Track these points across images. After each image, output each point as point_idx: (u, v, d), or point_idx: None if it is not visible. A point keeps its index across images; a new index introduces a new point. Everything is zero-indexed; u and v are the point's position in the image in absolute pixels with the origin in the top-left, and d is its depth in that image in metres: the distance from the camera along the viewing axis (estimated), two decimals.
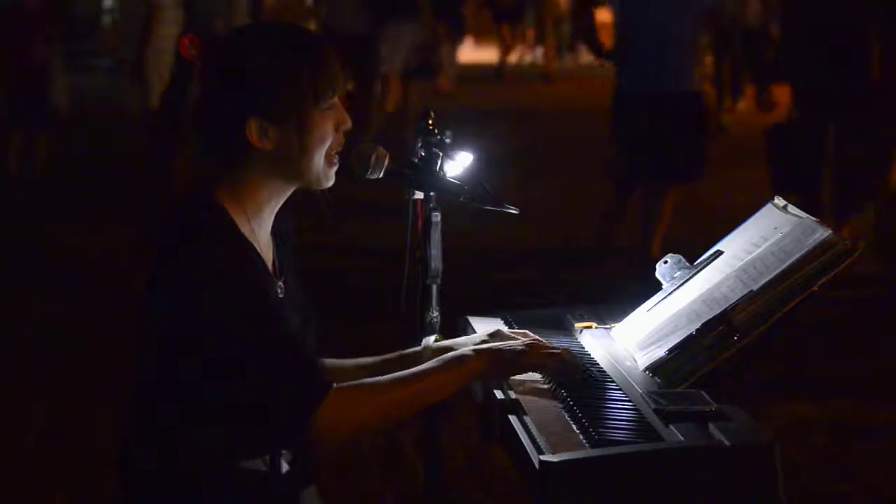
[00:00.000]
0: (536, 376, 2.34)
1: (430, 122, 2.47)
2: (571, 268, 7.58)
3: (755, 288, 2.28)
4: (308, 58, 2.22)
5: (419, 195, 2.46)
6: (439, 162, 2.44)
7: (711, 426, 2.03)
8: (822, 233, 2.30)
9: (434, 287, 2.48)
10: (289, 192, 2.30)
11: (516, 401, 2.23)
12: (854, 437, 4.88)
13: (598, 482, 1.95)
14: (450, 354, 2.27)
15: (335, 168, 2.29)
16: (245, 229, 2.22)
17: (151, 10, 8.96)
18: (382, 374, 2.28)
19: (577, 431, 2.10)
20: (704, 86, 7.90)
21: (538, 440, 2.05)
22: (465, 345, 2.38)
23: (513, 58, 19.72)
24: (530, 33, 20.26)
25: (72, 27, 11.47)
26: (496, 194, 2.45)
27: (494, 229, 7.98)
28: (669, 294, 2.51)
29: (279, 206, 2.30)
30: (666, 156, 6.94)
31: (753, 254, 2.41)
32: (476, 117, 12.84)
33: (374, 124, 11.77)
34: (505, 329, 2.47)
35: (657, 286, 2.57)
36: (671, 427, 2.04)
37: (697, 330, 2.26)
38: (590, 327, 2.61)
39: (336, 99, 2.25)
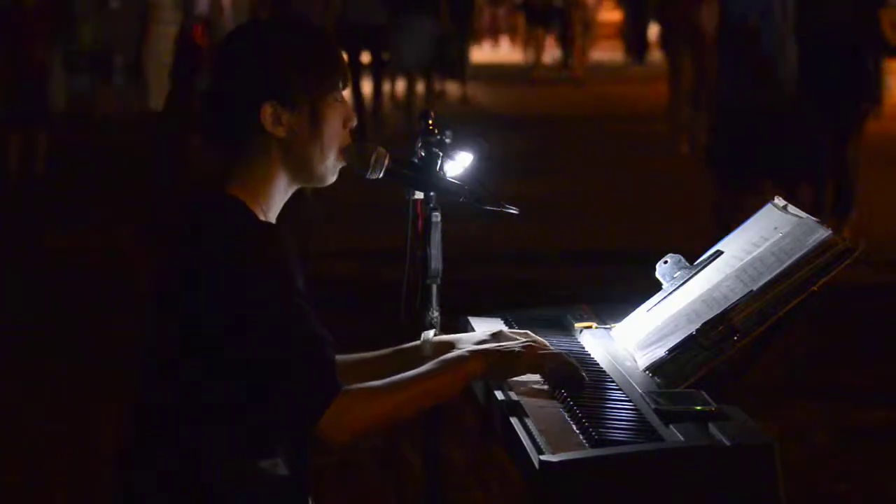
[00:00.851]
0: (537, 377, 2.34)
1: (430, 122, 2.47)
2: (571, 268, 7.58)
3: (755, 288, 2.28)
4: (320, 48, 2.26)
5: (419, 195, 2.47)
6: (439, 162, 2.44)
7: (711, 426, 2.03)
8: (822, 233, 2.30)
9: (434, 287, 2.48)
10: (293, 189, 2.31)
11: (516, 401, 2.23)
12: (854, 437, 4.88)
13: (598, 482, 1.95)
14: (449, 356, 2.27)
15: (341, 165, 2.31)
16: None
17: (149, 10, 8.96)
18: (382, 369, 2.29)
19: (577, 431, 2.10)
20: None
21: (538, 440, 2.05)
22: (464, 341, 2.39)
23: (546, 58, 19.60)
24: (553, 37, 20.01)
25: (72, 27, 11.46)
26: (496, 194, 2.46)
27: (495, 230, 7.99)
28: (669, 294, 2.51)
29: (283, 202, 2.31)
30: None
31: (753, 254, 2.40)
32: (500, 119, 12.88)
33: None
34: (505, 329, 2.47)
35: (657, 286, 2.57)
36: (671, 427, 2.04)
37: (697, 330, 2.26)
38: (590, 327, 2.60)
39: (343, 94, 2.29)
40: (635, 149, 12.13)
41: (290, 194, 2.32)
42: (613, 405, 2.21)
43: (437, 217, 2.46)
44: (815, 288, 2.24)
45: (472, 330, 2.58)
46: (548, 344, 2.36)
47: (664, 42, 14.42)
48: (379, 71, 13.14)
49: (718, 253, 2.52)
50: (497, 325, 2.62)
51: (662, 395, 2.16)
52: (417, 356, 2.37)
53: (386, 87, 14.13)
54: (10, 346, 6.03)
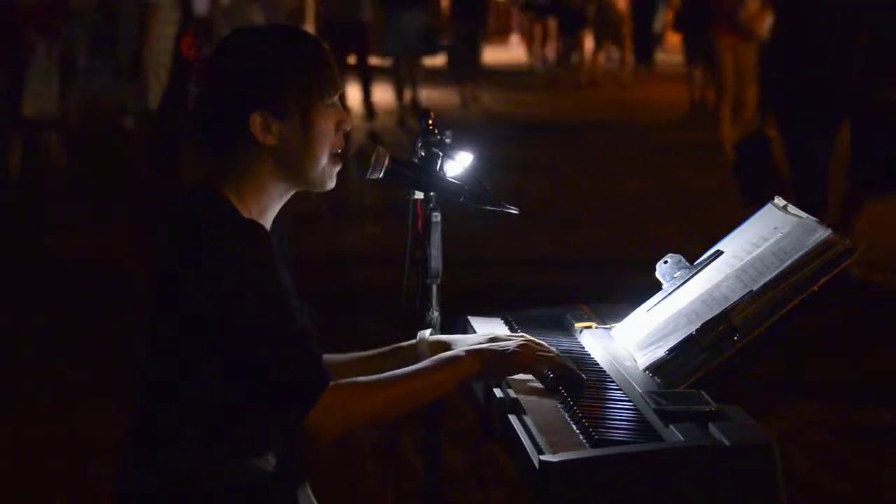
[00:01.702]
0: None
1: (430, 122, 2.47)
2: (572, 268, 7.58)
3: (755, 288, 2.28)
4: (310, 55, 2.25)
5: (419, 195, 2.47)
6: (439, 162, 2.44)
7: (711, 426, 2.03)
8: (822, 233, 2.30)
9: (434, 287, 2.48)
10: (290, 194, 2.31)
11: (516, 400, 2.23)
12: (854, 437, 4.88)
13: (598, 482, 1.95)
14: (444, 354, 2.28)
15: (338, 168, 2.30)
16: None
17: (148, 10, 8.94)
18: (380, 368, 2.29)
19: (577, 431, 2.10)
20: None
21: (538, 440, 2.05)
22: (460, 342, 2.39)
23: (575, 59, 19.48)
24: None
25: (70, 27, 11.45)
26: (496, 194, 2.46)
27: (495, 229, 7.99)
28: (669, 294, 2.51)
29: (279, 208, 2.31)
30: None
31: (753, 254, 2.40)
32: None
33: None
34: (505, 330, 2.47)
35: (657, 286, 2.57)
36: (671, 427, 2.04)
37: (697, 330, 2.26)
38: (590, 327, 2.61)
39: (336, 98, 2.27)
40: (643, 150, 12.14)
41: (286, 199, 2.31)
42: (613, 405, 2.21)
43: (437, 217, 2.46)
44: (815, 288, 2.24)
45: (473, 330, 2.59)
46: (545, 344, 2.37)
47: (685, 25, 13.76)
48: (366, 70, 13.36)
49: (718, 253, 2.52)
50: (497, 325, 2.62)
51: (662, 395, 2.16)
52: (415, 355, 2.38)
53: (384, 94, 14.25)
54: (10, 346, 6.03)
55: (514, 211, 2.46)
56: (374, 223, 8.19)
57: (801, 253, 2.29)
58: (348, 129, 2.31)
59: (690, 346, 2.26)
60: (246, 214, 2.23)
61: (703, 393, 2.15)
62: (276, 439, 2.24)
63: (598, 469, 1.95)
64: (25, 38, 9.58)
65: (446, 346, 2.38)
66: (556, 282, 7.18)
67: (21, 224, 8.66)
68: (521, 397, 2.25)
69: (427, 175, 2.44)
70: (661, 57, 19.62)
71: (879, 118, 6.99)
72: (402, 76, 13.92)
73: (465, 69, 15.12)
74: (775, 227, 2.43)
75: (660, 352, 2.31)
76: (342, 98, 2.35)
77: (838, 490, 4.41)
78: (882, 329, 6.32)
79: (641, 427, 2.09)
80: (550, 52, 19.97)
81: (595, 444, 2.03)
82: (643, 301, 2.56)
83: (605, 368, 2.39)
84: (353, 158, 2.39)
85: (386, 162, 2.40)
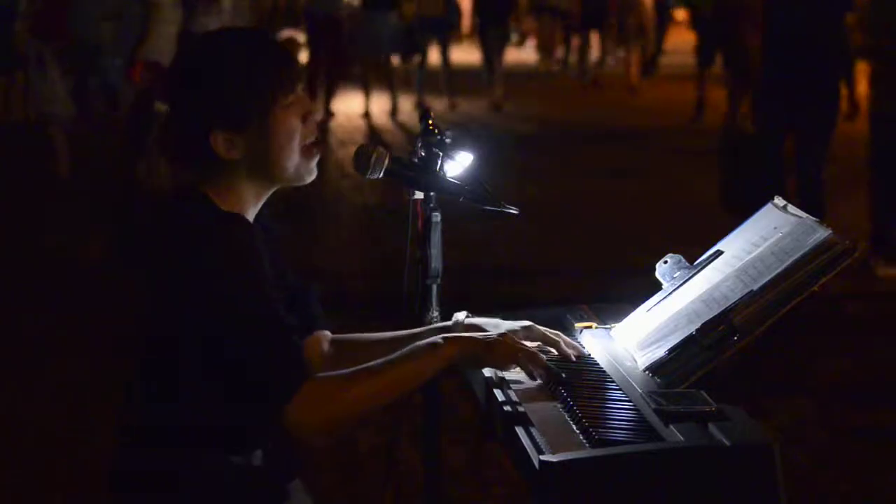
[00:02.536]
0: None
1: (430, 122, 2.47)
2: (572, 268, 7.58)
3: (755, 288, 2.28)
4: (260, 60, 2.21)
5: (419, 195, 2.47)
6: (439, 162, 2.44)
7: (711, 426, 2.03)
8: (822, 233, 2.30)
9: (434, 287, 2.48)
10: (271, 190, 2.31)
11: (516, 401, 2.23)
12: (854, 437, 4.88)
13: (598, 482, 1.95)
14: (422, 342, 2.25)
15: (315, 160, 2.29)
16: None
17: (150, 10, 8.94)
18: (397, 349, 2.26)
19: (577, 431, 2.10)
20: None
21: (538, 440, 2.05)
22: (494, 325, 2.40)
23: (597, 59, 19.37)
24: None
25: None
26: (496, 194, 2.46)
27: (494, 229, 7.99)
28: (669, 294, 2.51)
29: (261, 203, 2.31)
30: None
31: (753, 254, 2.40)
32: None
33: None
34: (507, 323, 2.46)
35: (657, 286, 2.57)
36: (671, 427, 2.04)
37: (697, 330, 2.26)
38: (590, 327, 2.61)
39: (297, 92, 2.25)
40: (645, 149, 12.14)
41: (265, 198, 2.31)
42: (613, 405, 2.21)
43: (437, 217, 2.46)
44: (815, 288, 2.24)
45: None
46: (547, 332, 2.37)
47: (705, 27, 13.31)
48: (343, 61, 13.89)
49: (718, 253, 2.52)
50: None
51: (662, 395, 2.16)
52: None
53: (380, 104, 14.34)
54: (10, 346, 6.03)
55: (513, 211, 2.46)
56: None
57: (801, 253, 2.29)
58: (316, 118, 2.29)
59: (690, 346, 2.26)
60: (227, 209, 2.22)
61: (703, 393, 2.15)
62: (260, 434, 2.24)
63: (598, 469, 1.95)
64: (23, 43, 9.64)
65: (481, 331, 2.37)
66: (556, 282, 7.18)
67: (21, 224, 8.67)
68: (522, 398, 2.25)
69: (427, 175, 2.44)
70: (661, 58, 19.64)
71: None
72: (371, 78, 14.34)
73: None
74: (775, 227, 2.43)
75: (660, 352, 2.31)
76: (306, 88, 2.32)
77: (838, 490, 4.41)
78: (882, 329, 6.32)
79: (641, 427, 2.09)
80: (572, 54, 19.77)
81: (595, 444, 2.03)
82: (643, 301, 2.56)
83: (605, 368, 2.39)
84: (353, 158, 2.39)
85: (386, 162, 2.40)
